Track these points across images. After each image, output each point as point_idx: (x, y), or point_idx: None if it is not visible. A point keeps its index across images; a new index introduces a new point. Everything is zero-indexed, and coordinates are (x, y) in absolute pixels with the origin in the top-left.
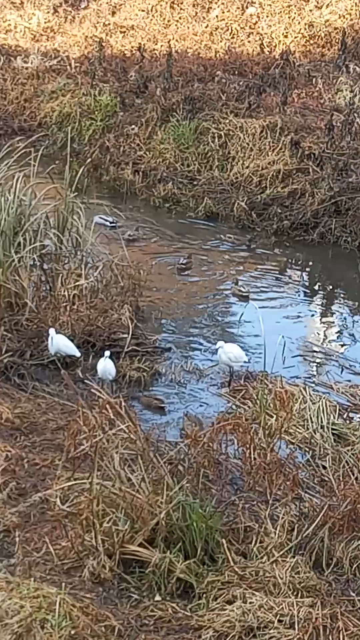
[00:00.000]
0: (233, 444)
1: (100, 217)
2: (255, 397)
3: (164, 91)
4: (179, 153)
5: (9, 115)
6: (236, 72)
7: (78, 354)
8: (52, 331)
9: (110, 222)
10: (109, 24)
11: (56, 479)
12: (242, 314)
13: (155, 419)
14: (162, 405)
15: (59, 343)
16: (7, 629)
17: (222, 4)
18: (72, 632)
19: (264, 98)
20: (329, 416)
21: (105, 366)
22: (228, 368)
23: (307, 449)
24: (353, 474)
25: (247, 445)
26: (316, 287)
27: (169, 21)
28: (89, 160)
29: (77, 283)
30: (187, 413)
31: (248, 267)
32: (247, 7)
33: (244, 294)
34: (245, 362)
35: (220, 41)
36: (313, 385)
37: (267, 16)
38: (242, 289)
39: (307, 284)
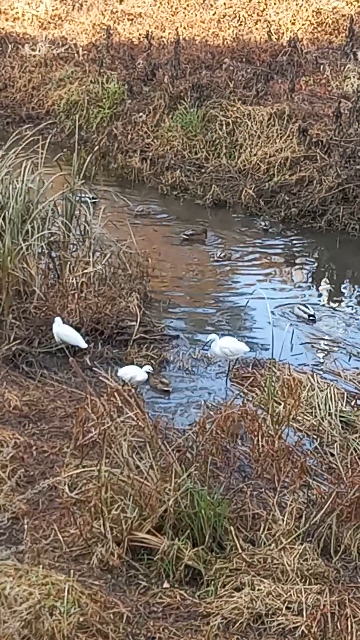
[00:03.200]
0: (241, 432)
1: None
2: (263, 385)
3: (172, 79)
4: (187, 141)
5: (16, 103)
6: (244, 60)
7: (83, 345)
8: (57, 320)
9: (91, 199)
10: (117, 11)
11: (64, 467)
12: (249, 302)
13: (163, 407)
14: (168, 388)
15: (60, 333)
16: (16, 615)
17: None
18: (81, 619)
19: (272, 85)
20: (336, 403)
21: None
22: (224, 359)
23: (315, 437)
24: None
25: (255, 433)
26: (324, 275)
27: (176, 8)
28: (97, 148)
29: (85, 271)
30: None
31: (256, 254)
32: None
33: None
34: (245, 352)
35: (228, 28)
36: (321, 372)
37: (275, 3)
38: (307, 309)
39: (314, 271)
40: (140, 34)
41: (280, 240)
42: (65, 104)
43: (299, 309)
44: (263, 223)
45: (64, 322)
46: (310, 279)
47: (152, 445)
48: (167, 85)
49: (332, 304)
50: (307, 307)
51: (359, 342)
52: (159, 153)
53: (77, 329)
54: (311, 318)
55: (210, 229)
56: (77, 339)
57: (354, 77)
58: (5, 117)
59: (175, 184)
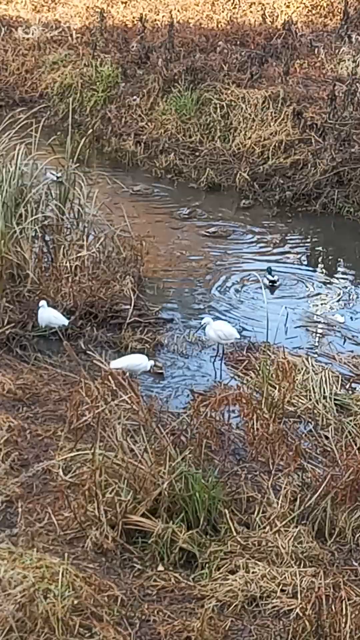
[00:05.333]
0: (236, 415)
1: (51, 173)
2: (258, 368)
3: (166, 62)
4: (181, 124)
5: (10, 87)
6: (238, 43)
7: (65, 322)
8: (43, 303)
9: (58, 178)
10: None
11: (59, 450)
12: (244, 285)
13: (158, 390)
14: (162, 371)
15: (48, 317)
16: (10, 598)
17: None
18: (75, 602)
19: (266, 68)
20: (331, 387)
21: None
22: (216, 343)
23: (310, 420)
24: (355, 444)
25: (250, 416)
26: (319, 258)
27: None
28: (91, 131)
29: (79, 254)
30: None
31: (251, 238)
32: None
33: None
34: (237, 338)
35: (222, 11)
36: (315, 356)
37: None
38: (270, 276)
39: (309, 254)
40: (134, 17)
41: (275, 223)
42: (59, 87)
43: (264, 276)
44: (245, 201)
45: (49, 305)
46: (305, 263)
47: (146, 428)
48: (161, 69)
49: (327, 289)
50: (270, 274)
51: (353, 325)
52: (153, 136)
53: (71, 313)
54: (272, 283)
55: (204, 208)
56: (60, 318)
57: (348, 60)
58: None
59: (169, 167)
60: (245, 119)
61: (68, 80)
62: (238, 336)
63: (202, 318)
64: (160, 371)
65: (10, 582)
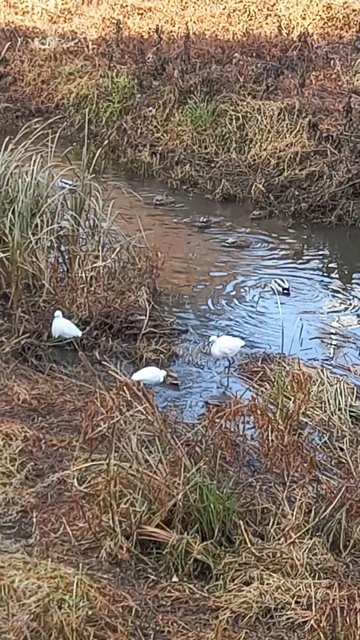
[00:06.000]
0: (250, 426)
1: (62, 181)
2: (273, 379)
3: (182, 73)
4: (197, 135)
5: (26, 97)
6: (254, 54)
7: (79, 334)
8: (58, 313)
9: (70, 186)
10: (127, 5)
11: (73, 460)
12: (259, 297)
13: (173, 401)
14: (176, 382)
15: (62, 327)
16: (24, 608)
17: None
18: (90, 612)
19: (282, 80)
20: (346, 398)
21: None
22: (225, 358)
23: (325, 431)
24: None
25: (265, 427)
26: (334, 269)
27: (186, 3)
28: (107, 142)
29: (94, 265)
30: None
31: (266, 249)
32: None
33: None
34: (242, 346)
35: (238, 23)
36: (330, 367)
37: None
38: (282, 283)
39: (324, 266)
40: (150, 28)
41: (290, 234)
42: (75, 98)
43: (275, 281)
44: (257, 212)
45: (64, 316)
46: (319, 274)
47: (161, 439)
48: (177, 80)
49: (342, 300)
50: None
51: None
52: (169, 147)
53: (86, 323)
54: (285, 291)
55: (220, 219)
56: (74, 329)
57: None
58: (15, 111)
59: (184, 178)
60: (260, 131)
61: (84, 91)
62: (243, 343)
63: (216, 329)
64: (175, 382)
65: (25, 592)
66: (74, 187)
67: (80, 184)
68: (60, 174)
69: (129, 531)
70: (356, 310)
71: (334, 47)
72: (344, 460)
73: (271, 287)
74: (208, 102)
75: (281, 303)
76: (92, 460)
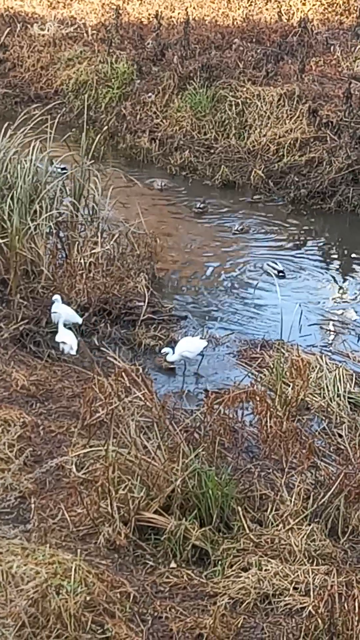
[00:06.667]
0: (249, 412)
1: (55, 165)
2: (272, 366)
3: (181, 59)
4: (196, 121)
5: (25, 83)
6: (254, 40)
7: (79, 320)
8: (57, 298)
9: (62, 169)
10: None
11: (72, 446)
12: (257, 282)
13: (171, 387)
14: (173, 366)
15: (63, 313)
16: (22, 594)
17: None
18: (88, 598)
19: (282, 66)
20: (345, 385)
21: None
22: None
23: (323, 418)
24: None
25: (263, 414)
26: (333, 256)
27: None
28: (106, 128)
29: (93, 251)
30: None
31: (265, 235)
32: None
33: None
34: (205, 346)
35: (238, 9)
36: (329, 353)
37: None
38: (276, 265)
39: (323, 252)
40: (149, 14)
41: (289, 221)
42: (74, 83)
43: (268, 265)
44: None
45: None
46: (319, 260)
47: (159, 425)
48: (177, 66)
49: (341, 287)
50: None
51: None
52: (168, 133)
53: (85, 309)
54: (280, 274)
55: (217, 205)
56: (75, 316)
57: None
58: (14, 96)
59: (184, 164)
60: (260, 117)
61: (83, 77)
62: (205, 344)
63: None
64: (172, 366)
65: (23, 577)
66: (66, 170)
67: (78, 169)
68: (59, 160)
69: (127, 517)
70: (355, 297)
71: (334, 33)
72: (342, 447)
73: (265, 270)
74: (207, 88)
75: (280, 289)
76: (91, 446)
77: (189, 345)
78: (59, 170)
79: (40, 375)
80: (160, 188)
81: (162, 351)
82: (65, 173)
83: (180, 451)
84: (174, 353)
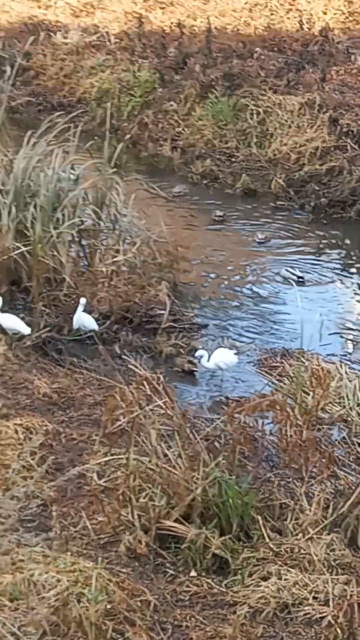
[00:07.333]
0: (269, 421)
1: (63, 172)
2: (292, 375)
3: (203, 67)
4: (218, 130)
5: (48, 91)
6: (275, 49)
7: (96, 327)
8: (82, 300)
9: (71, 176)
10: None
11: (93, 454)
12: (279, 291)
13: (192, 396)
14: (195, 369)
15: (84, 319)
16: (44, 602)
17: None
18: (108, 606)
19: (303, 75)
20: None
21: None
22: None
23: (343, 427)
24: None
25: (283, 423)
26: (353, 265)
27: None
28: (128, 136)
29: (114, 259)
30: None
31: (285, 244)
32: None
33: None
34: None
35: (260, 18)
36: (349, 363)
37: None
38: (294, 271)
39: (344, 261)
40: (172, 23)
41: (310, 229)
42: (97, 92)
43: (287, 270)
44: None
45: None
46: (339, 270)
47: (180, 433)
48: (198, 74)
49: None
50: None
51: None
52: (190, 142)
53: (107, 317)
54: (300, 280)
55: (237, 214)
56: (93, 323)
57: None
58: (37, 104)
59: (205, 173)
60: (281, 125)
61: (106, 85)
62: (237, 360)
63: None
64: (194, 369)
65: (45, 585)
66: (74, 176)
67: (100, 178)
68: (82, 168)
69: (148, 525)
70: None
71: (355, 42)
72: None
73: (283, 276)
74: (229, 97)
75: (300, 298)
76: (112, 455)
77: (225, 357)
78: (72, 175)
79: (62, 383)
80: (178, 194)
81: (197, 354)
82: (76, 178)
83: (201, 460)
84: (209, 359)
